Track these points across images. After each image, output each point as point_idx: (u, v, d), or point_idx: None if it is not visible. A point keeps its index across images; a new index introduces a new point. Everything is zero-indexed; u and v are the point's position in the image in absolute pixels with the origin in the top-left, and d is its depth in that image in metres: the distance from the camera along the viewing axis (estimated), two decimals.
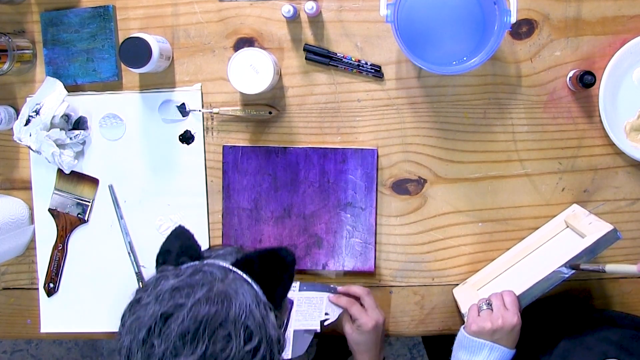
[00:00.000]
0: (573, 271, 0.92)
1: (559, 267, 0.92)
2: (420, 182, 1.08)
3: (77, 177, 1.12)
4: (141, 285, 0.72)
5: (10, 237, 1.08)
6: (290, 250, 0.76)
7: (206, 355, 0.64)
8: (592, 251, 0.91)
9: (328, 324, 1.02)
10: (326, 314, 1.02)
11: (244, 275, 0.73)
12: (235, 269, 0.73)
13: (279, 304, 0.76)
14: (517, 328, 0.90)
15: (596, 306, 1.09)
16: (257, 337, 0.67)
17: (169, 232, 1.09)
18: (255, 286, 0.73)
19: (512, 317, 0.90)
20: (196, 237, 0.82)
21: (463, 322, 0.96)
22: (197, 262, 0.75)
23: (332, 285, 1.06)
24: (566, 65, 1.05)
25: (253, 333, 0.67)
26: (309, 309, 1.03)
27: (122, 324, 0.70)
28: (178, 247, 0.78)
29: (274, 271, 0.75)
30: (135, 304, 0.70)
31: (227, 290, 0.69)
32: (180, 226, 0.83)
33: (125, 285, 1.12)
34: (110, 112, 1.10)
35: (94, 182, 1.12)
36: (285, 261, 0.75)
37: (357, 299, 1.03)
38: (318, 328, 1.01)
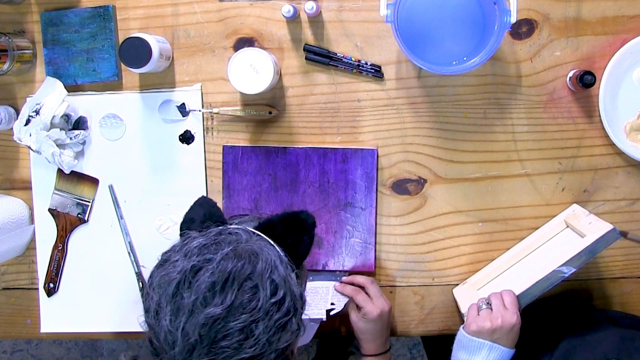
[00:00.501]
0: (573, 270, 0.92)
1: (558, 267, 0.92)
2: (420, 182, 1.08)
3: (77, 177, 1.12)
4: (166, 249, 0.79)
5: (10, 237, 1.08)
6: (310, 213, 0.80)
7: (234, 305, 0.67)
8: (592, 251, 0.91)
9: (334, 314, 1.03)
10: (332, 303, 1.03)
11: (267, 238, 0.76)
12: (258, 232, 0.77)
13: (300, 265, 0.79)
14: (516, 327, 0.90)
15: (596, 306, 1.09)
16: (282, 291, 0.71)
17: (169, 232, 1.11)
18: (277, 247, 0.76)
19: (511, 317, 0.90)
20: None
21: (463, 322, 0.96)
22: (221, 227, 0.78)
23: (337, 273, 1.07)
24: (566, 65, 1.05)
25: (278, 286, 0.70)
26: (314, 299, 1.04)
27: (150, 284, 0.72)
28: (202, 215, 0.82)
29: (295, 233, 0.78)
30: (162, 264, 0.73)
31: (252, 247, 0.72)
32: (203, 196, 0.87)
33: (125, 285, 1.12)
34: (110, 112, 1.10)
35: (94, 182, 1.12)
36: (306, 223, 0.79)
37: (362, 288, 1.04)
38: (324, 317, 1.02)
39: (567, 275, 0.92)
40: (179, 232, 0.82)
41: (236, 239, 0.74)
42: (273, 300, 0.69)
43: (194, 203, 0.85)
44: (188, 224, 0.82)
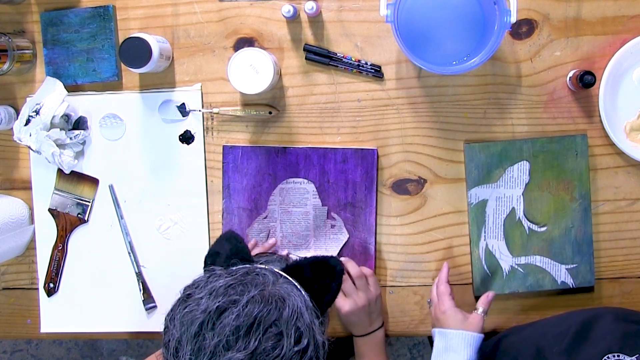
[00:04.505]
0: None
1: None
2: (420, 182, 1.08)
3: (77, 177, 1.12)
4: (189, 284, 0.77)
5: (10, 237, 1.08)
6: (339, 259, 0.79)
7: (257, 351, 0.66)
8: None
9: None
10: None
11: (294, 281, 0.75)
12: (285, 275, 0.76)
13: (325, 311, 0.78)
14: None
15: (597, 306, 1.09)
16: (306, 339, 0.70)
17: (169, 232, 1.11)
18: (303, 292, 0.75)
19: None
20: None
21: None
22: (248, 265, 0.76)
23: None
24: (566, 65, 1.05)
25: (303, 334, 0.70)
26: None
27: (171, 318, 0.71)
28: (228, 250, 0.80)
29: (323, 279, 0.77)
30: (185, 299, 0.71)
31: (279, 291, 0.71)
32: (230, 230, 0.86)
33: (125, 285, 1.12)
34: (110, 112, 1.10)
35: (94, 182, 1.12)
36: (335, 270, 0.77)
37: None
38: None
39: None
40: (203, 265, 0.81)
41: (263, 280, 0.72)
42: (297, 348, 0.68)
43: (221, 236, 0.84)
44: (213, 257, 0.80)
